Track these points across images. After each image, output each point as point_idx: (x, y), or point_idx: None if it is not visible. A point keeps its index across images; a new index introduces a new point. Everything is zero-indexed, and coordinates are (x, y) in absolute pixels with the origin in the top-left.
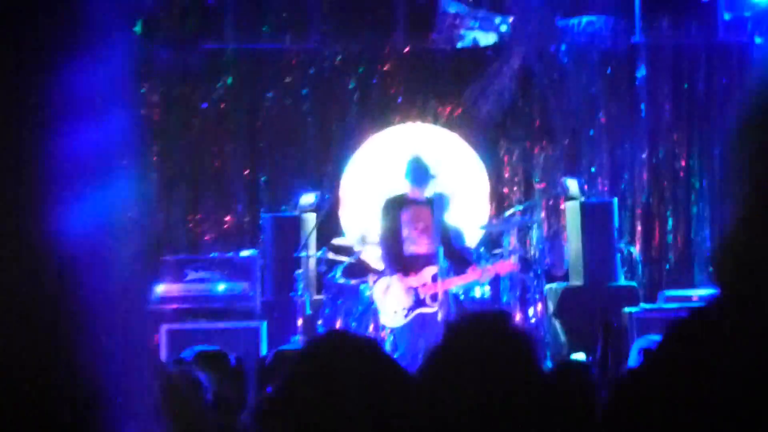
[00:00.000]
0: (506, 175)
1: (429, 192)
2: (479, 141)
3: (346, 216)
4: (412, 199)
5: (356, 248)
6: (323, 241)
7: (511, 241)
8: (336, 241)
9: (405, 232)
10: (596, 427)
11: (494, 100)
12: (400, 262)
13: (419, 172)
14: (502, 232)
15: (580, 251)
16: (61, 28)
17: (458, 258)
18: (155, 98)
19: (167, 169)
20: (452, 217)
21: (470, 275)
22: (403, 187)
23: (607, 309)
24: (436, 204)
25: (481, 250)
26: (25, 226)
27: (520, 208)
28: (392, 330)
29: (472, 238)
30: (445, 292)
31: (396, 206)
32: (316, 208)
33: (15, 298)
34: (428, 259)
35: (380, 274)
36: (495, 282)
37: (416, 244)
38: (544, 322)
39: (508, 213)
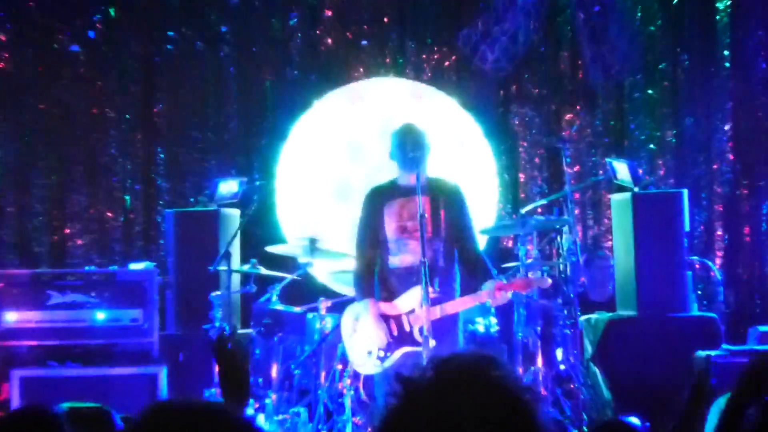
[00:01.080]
0: (522, 156)
1: (425, 176)
2: (482, 105)
3: (285, 212)
4: (402, 186)
5: (302, 259)
6: (252, 249)
7: (530, 250)
8: (272, 249)
9: (389, 234)
10: None
11: (504, 45)
12: (382, 280)
13: (412, 147)
14: (516, 237)
15: (633, 266)
16: None
17: (479, 267)
18: None
19: (18, 142)
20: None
21: (475, 297)
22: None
23: (694, 360)
24: (438, 192)
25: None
26: None
27: (543, 202)
28: (365, 379)
29: None
30: (444, 322)
31: (377, 198)
32: (241, 200)
33: None
34: (419, 274)
35: (342, 298)
36: (505, 310)
37: (405, 252)
38: (576, 369)
39: (525, 210)
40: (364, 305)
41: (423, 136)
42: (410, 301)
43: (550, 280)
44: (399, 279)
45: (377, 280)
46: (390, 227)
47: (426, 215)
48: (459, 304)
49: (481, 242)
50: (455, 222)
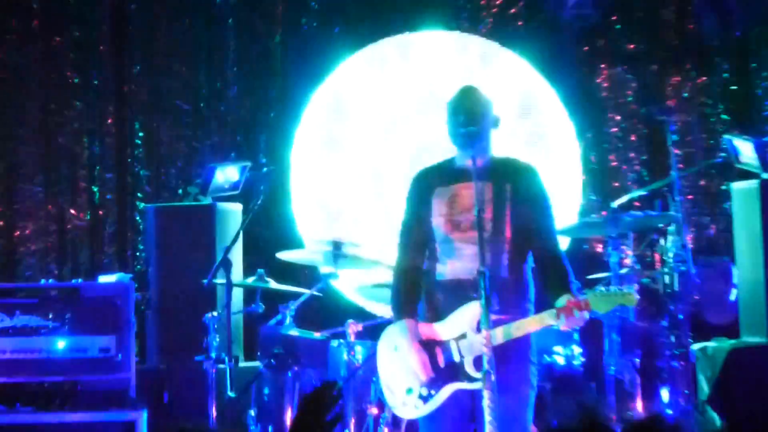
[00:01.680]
0: (613, 132)
1: (488, 156)
2: (560, 65)
3: (302, 207)
4: (459, 169)
5: (324, 269)
6: (259, 255)
7: (624, 256)
8: (284, 256)
9: (437, 232)
10: None
11: None
12: (426, 295)
13: (466, 119)
14: (607, 239)
15: (762, 278)
16: None
17: (558, 277)
18: None
19: None
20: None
21: (542, 318)
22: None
23: None
24: (505, 176)
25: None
26: None
27: (642, 193)
28: (407, 426)
29: None
30: (508, 350)
31: (425, 183)
32: (244, 192)
33: None
34: (475, 288)
35: (378, 320)
36: (594, 335)
37: (456, 257)
38: (688, 415)
39: (617, 203)
40: (401, 328)
41: (482, 104)
42: (461, 323)
43: (636, 297)
44: (447, 294)
45: (422, 295)
46: (438, 223)
47: (486, 207)
48: (522, 327)
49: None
50: (528, 217)
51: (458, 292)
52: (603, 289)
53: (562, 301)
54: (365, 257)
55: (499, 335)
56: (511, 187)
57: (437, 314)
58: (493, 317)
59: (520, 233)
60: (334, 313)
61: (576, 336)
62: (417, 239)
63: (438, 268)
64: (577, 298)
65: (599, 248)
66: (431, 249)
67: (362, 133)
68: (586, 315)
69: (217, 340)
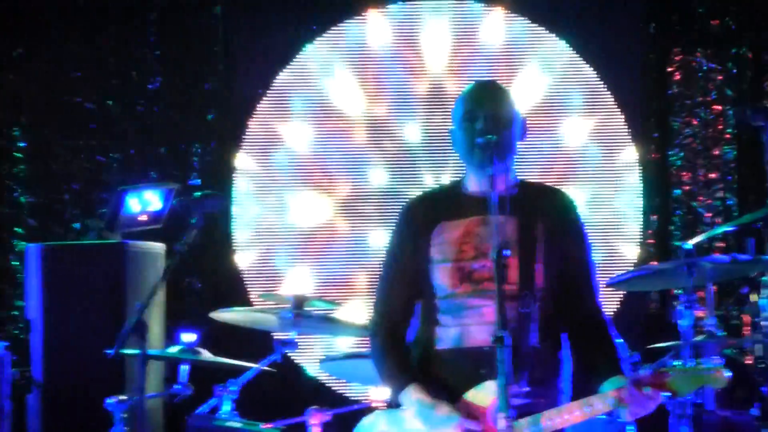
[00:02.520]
0: (690, 144)
1: (512, 181)
2: (614, 49)
3: (249, 249)
4: (470, 196)
5: (278, 334)
6: (187, 315)
7: (699, 317)
8: (224, 317)
9: (439, 284)
10: None
11: None
12: (423, 371)
13: (485, 126)
14: (674, 294)
15: None
16: None
17: (603, 347)
18: None
19: None
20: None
21: (593, 404)
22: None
23: None
24: (534, 209)
25: (620, 340)
26: None
27: (727, 230)
28: None
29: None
30: None
31: (422, 215)
32: (168, 226)
33: None
34: (491, 362)
35: (354, 407)
36: (650, 426)
37: (467, 318)
38: None
39: (692, 243)
40: (411, 399)
41: (509, 105)
42: (476, 408)
43: (728, 376)
44: (452, 370)
45: (427, 365)
46: (441, 271)
47: (509, 251)
48: (565, 417)
49: (606, 301)
50: (566, 267)
51: (468, 367)
52: (680, 363)
53: (621, 380)
54: (336, 319)
55: (525, 427)
56: (545, 225)
57: (437, 398)
58: (516, 401)
59: (555, 288)
60: (292, 397)
61: (631, 428)
62: (405, 290)
63: (438, 334)
64: (648, 376)
65: (665, 307)
66: (427, 307)
67: (334, 142)
68: (660, 398)
69: None
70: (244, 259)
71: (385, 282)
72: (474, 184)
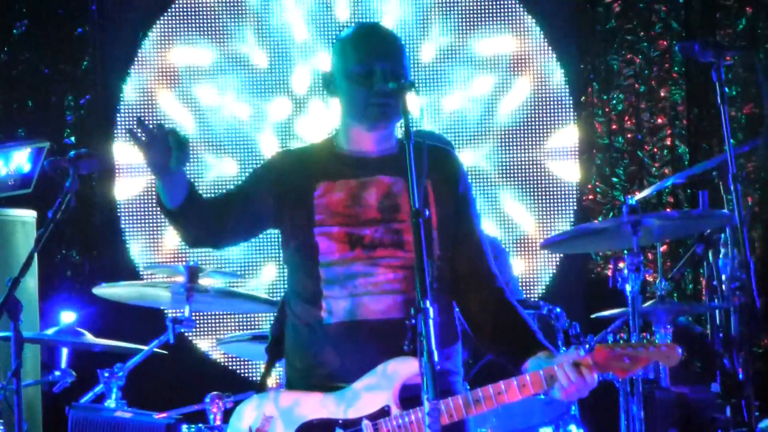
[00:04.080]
0: (627, 83)
1: (394, 137)
2: None
3: (134, 212)
4: (351, 155)
5: (171, 311)
6: (66, 292)
7: (648, 281)
8: (107, 292)
9: (325, 251)
10: None
11: None
12: (308, 350)
13: (384, 71)
14: (618, 255)
15: None
16: None
17: (506, 316)
18: None
19: None
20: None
21: (519, 385)
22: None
23: None
24: (422, 169)
25: (557, 309)
26: None
27: (677, 182)
28: None
29: (518, 269)
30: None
31: (300, 177)
32: (39, 190)
33: None
34: (396, 330)
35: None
36: (598, 404)
37: (360, 290)
38: None
39: (637, 198)
40: (292, 397)
41: (403, 58)
42: (379, 391)
43: (680, 353)
44: (345, 347)
45: (292, 345)
46: (327, 236)
47: (401, 213)
48: (495, 397)
49: (542, 265)
50: (456, 230)
51: (364, 343)
52: (623, 339)
53: (550, 359)
54: (236, 292)
55: (457, 409)
56: (433, 187)
57: (329, 378)
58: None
59: (449, 255)
60: (189, 383)
61: (574, 410)
62: (299, 262)
63: (324, 306)
64: (584, 355)
65: (608, 270)
66: (303, 278)
67: (223, 93)
68: (596, 378)
69: (0, 428)
70: (129, 226)
71: (295, 272)
72: (351, 143)
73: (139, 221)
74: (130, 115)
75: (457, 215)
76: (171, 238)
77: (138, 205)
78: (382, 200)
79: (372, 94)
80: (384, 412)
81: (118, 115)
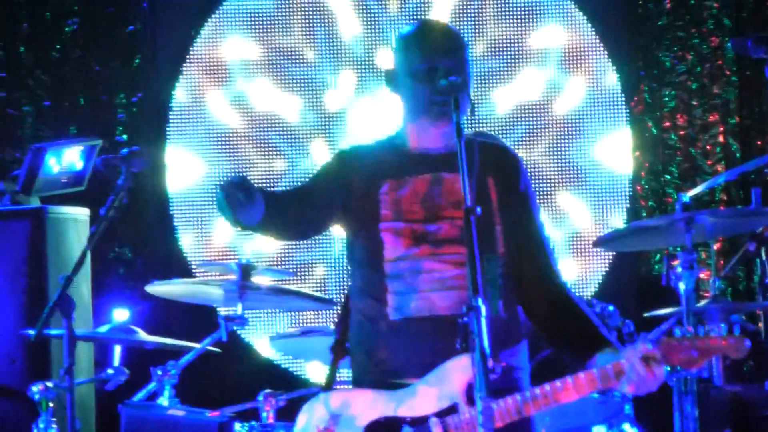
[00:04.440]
0: (680, 80)
1: (455, 133)
2: None
3: (187, 213)
4: (416, 152)
5: (224, 309)
6: (120, 291)
7: (702, 281)
8: (159, 291)
9: (390, 248)
10: None
11: None
12: (375, 348)
13: (446, 67)
14: (671, 253)
15: None
16: None
17: (569, 314)
18: None
19: None
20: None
21: (586, 380)
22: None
23: None
24: (488, 166)
25: (610, 308)
26: None
27: (730, 179)
28: None
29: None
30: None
31: (367, 174)
32: (92, 188)
33: None
34: (453, 334)
35: (311, 390)
36: (651, 403)
37: (423, 287)
38: None
39: (690, 195)
40: (356, 395)
41: (465, 46)
42: (447, 388)
43: (747, 344)
44: (412, 343)
45: (357, 342)
46: (393, 232)
47: (480, 210)
48: (557, 395)
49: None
50: (521, 228)
51: (430, 340)
52: (691, 332)
53: (614, 354)
54: (289, 290)
55: (511, 408)
56: (495, 184)
57: (394, 375)
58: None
59: (512, 252)
60: (241, 381)
61: (628, 409)
62: (363, 261)
63: (390, 302)
64: (652, 348)
65: (660, 268)
66: (367, 273)
67: (282, 93)
68: (664, 371)
69: (54, 427)
70: (180, 219)
71: (359, 270)
72: (415, 140)
73: (191, 213)
74: (182, 114)
75: (519, 211)
76: (222, 230)
77: (190, 197)
78: (446, 196)
79: (434, 91)
80: (452, 409)
81: (171, 113)
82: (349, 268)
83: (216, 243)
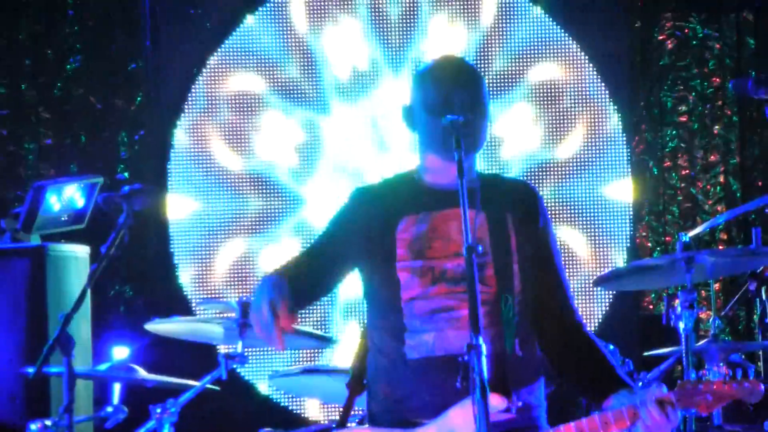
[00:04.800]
0: (681, 120)
1: (474, 172)
2: (593, 16)
3: (188, 249)
4: (434, 188)
5: (224, 347)
6: (118, 327)
7: (702, 321)
8: (160, 328)
9: (406, 286)
10: None
11: None
12: (392, 385)
13: (462, 104)
14: (670, 293)
15: None
16: None
17: (586, 353)
18: None
19: None
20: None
21: (601, 422)
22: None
23: None
24: (502, 202)
25: (611, 347)
26: None
27: (729, 219)
28: None
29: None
30: None
31: (385, 211)
32: (93, 225)
33: None
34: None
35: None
36: None
37: (438, 325)
38: None
39: (690, 235)
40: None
41: (481, 83)
42: (464, 428)
43: (761, 389)
44: (425, 384)
45: (374, 379)
46: (410, 270)
47: (482, 248)
48: None
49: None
50: (538, 265)
51: (448, 378)
52: (707, 376)
53: (629, 397)
54: (301, 329)
55: None
56: (513, 220)
57: (412, 413)
58: (502, 417)
59: (529, 289)
60: (241, 419)
61: None
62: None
63: (407, 342)
64: (668, 393)
65: (659, 307)
66: (384, 312)
67: (290, 125)
68: (679, 416)
69: None
70: (180, 251)
71: (377, 310)
72: (432, 175)
73: (190, 245)
74: (184, 153)
75: (537, 249)
76: (222, 263)
77: (190, 233)
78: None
79: (441, 118)
80: None
81: (172, 151)
82: (365, 303)
83: (215, 272)
